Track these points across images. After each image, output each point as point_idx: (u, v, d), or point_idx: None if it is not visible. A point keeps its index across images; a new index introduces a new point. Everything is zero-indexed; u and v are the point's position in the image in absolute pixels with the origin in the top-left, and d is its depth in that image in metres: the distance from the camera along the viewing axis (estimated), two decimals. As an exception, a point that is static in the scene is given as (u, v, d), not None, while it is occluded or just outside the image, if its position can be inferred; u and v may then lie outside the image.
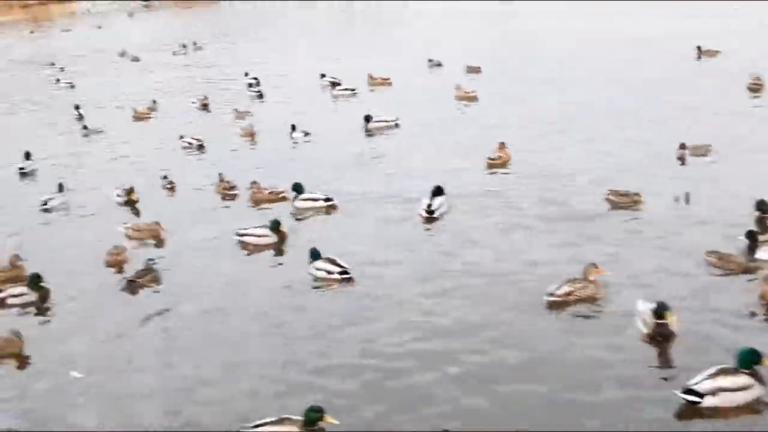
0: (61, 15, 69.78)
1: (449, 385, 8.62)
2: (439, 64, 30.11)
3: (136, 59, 38.86)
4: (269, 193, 15.59)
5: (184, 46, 40.66)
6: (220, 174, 16.57)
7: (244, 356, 9.50)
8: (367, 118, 21.19)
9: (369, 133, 20.80)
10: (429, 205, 13.92)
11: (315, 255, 11.92)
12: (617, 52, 30.29)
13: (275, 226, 13.25)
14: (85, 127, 23.70)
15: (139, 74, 34.57)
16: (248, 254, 12.91)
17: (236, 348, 9.75)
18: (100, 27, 53.36)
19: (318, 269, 11.73)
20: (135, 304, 11.27)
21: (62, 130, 24.50)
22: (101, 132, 23.32)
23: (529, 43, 35.81)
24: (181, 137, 20.86)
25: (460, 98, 23.82)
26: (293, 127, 20.97)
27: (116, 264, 12.61)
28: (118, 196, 15.85)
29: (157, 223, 13.87)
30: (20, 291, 11.74)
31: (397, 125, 20.90)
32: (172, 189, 16.91)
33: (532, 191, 14.78)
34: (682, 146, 15.96)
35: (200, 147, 20.25)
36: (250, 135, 21.06)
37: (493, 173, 16.25)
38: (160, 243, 13.59)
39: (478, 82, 25.92)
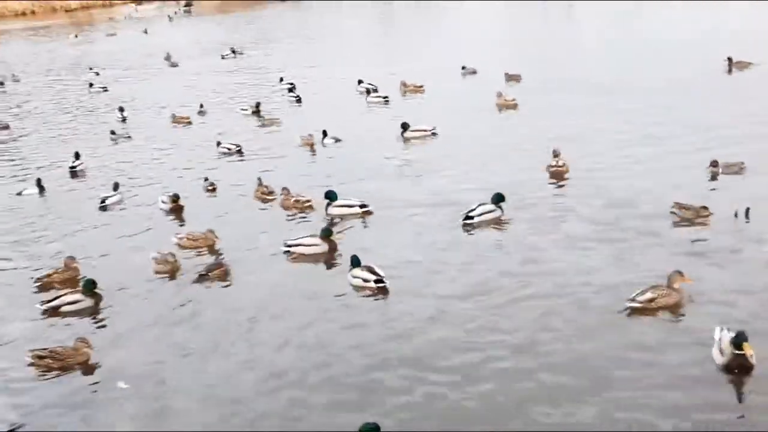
0: (103, 19, 71.10)
1: (504, 407, 8.48)
2: (474, 72, 30.08)
3: (174, 64, 39.51)
4: (295, 201, 15.80)
5: (233, 51, 41.34)
6: (258, 178, 17.10)
7: (288, 377, 9.58)
8: (404, 126, 21.07)
9: (405, 141, 20.49)
10: (469, 212, 13.91)
11: (355, 262, 12.08)
12: (657, 59, 30.06)
13: (326, 234, 13.20)
14: (113, 132, 24.19)
15: (180, 79, 35.17)
16: (296, 262, 12.88)
17: (279, 360, 9.93)
18: (146, 32, 54.18)
19: (355, 277, 11.83)
20: (185, 311, 11.55)
21: (98, 132, 25.16)
22: (129, 138, 23.76)
23: (571, 48, 35.69)
24: (219, 144, 21.20)
25: (501, 106, 23.89)
26: (324, 133, 21.32)
27: (167, 272, 12.80)
28: (164, 202, 16.16)
29: (211, 231, 14.00)
30: (75, 298, 11.86)
31: (434, 134, 20.83)
32: (213, 191, 17.49)
33: (590, 201, 14.71)
34: (714, 164, 15.70)
35: (239, 152, 20.68)
36: (310, 145, 20.80)
37: (552, 183, 16.09)
38: (213, 251, 13.76)
39: (518, 90, 25.80)
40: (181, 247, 13.85)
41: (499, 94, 24.30)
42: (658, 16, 44.14)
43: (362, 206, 15.10)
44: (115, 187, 17.88)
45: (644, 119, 20.84)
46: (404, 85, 28.02)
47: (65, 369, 10.07)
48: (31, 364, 10.20)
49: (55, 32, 64.26)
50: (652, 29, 38.68)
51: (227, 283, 12.44)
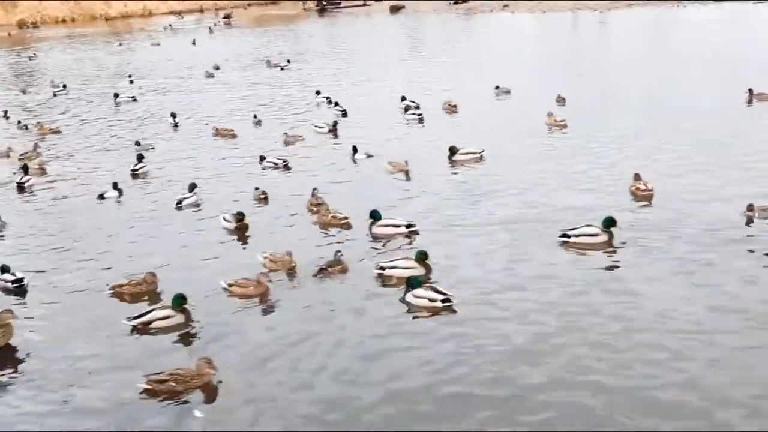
0: (142, 29, 72.00)
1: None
2: (508, 92, 29.74)
3: (210, 75, 39.79)
4: (332, 217, 15.74)
5: (288, 62, 41.70)
6: (314, 189, 17.16)
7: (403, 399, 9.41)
8: (453, 150, 20.22)
9: (454, 165, 19.86)
10: (570, 230, 13.73)
11: (415, 284, 11.84)
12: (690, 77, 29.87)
13: (421, 257, 12.73)
14: (137, 143, 24.12)
15: (221, 90, 35.51)
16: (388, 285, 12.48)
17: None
18: (194, 43, 54.79)
19: (418, 297, 11.66)
20: (269, 330, 11.41)
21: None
22: (152, 149, 23.77)
23: (607, 64, 35.59)
24: (262, 158, 21.08)
25: (551, 125, 23.74)
26: (354, 149, 21.25)
27: (262, 294, 12.57)
28: (227, 221, 15.77)
29: (289, 254, 13.49)
30: (166, 313, 11.51)
31: (482, 157, 20.26)
32: (264, 200, 17.58)
33: (691, 225, 14.32)
34: (750, 208, 14.90)
35: (286, 167, 20.57)
36: (405, 172, 19.21)
37: (642, 205, 15.68)
38: (292, 274, 13.24)
39: (565, 110, 25.63)
40: (264, 267, 13.36)
41: (550, 114, 24.16)
42: (687, 23, 43.82)
43: (408, 226, 14.76)
44: (191, 188, 18.29)
45: (700, 141, 20.66)
46: (448, 104, 27.82)
47: (188, 392, 9.68)
48: (147, 390, 9.77)
49: (91, 39, 65.21)
50: (683, 39, 38.43)
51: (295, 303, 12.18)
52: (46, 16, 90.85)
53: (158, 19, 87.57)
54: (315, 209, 16.49)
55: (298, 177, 19.83)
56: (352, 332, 11.18)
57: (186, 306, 11.78)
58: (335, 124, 24.74)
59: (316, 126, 24.96)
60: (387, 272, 12.71)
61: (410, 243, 14.47)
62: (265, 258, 13.42)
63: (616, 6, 63.06)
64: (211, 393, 9.75)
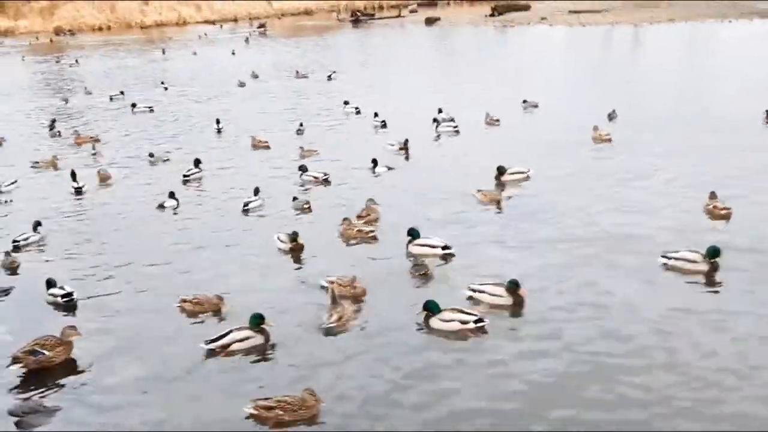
0: (179, 38, 72.15)
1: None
2: (535, 105, 29.23)
3: (242, 84, 39.60)
4: (357, 231, 15.46)
5: (335, 72, 41.40)
6: (370, 199, 16.88)
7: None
8: (501, 170, 19.44)
9: (502, 186, 18.96)
10: (670, 252, 13.12)
11: (434, 308, 11.40)
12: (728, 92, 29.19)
13: (513, 286, 12.04)
14: (151, 155, 23.86)
15: (257, 100, 35.33)
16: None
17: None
18: (233, 53, 54.53)
19: (446, 321, 11.22)
20: (335, 349, 11.02)
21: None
22: (167, 161, 23.47)
23: (641, 78, 34.91)
24: (301, 169, 20.55)
25: (597, 139, 23.19)
26: (374, 162, 20.82)
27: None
28: (282, 241, 15.22)
29: (354, 278, 12.86)
30: (245, 335, 11.04)
31: (528, 177, 19.48)
32: (308, 210, 17.46)
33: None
34: None
35: (326, 181, 20.12)
36: (495, 201, 17.67)
37: (723, 226, 15.14)
38: (359, 300, 12.57)
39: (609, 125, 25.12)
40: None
41: (596, 128, 23.66)
42: (730, 39, 42.98)
43: (444, 247, 14.33)
44: (256, 191, 18.21)
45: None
46: (491, 118, 27.23)
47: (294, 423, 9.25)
48: (252, 416, 9.36)
49: (129, 47, 65.55)
50: (723, 54, 37.63)
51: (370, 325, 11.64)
52: (82, 23, 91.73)
53: (192, 28, 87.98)
54: (363, 220, 16.26)
55: (339, 191, 19.47)
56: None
57: (264, 326, 11.25)
58: (406, 142, 23.39)
59: (388, 144, 23.71)
60: (475, 295, 12.17)
61: (446, 262, 14.05)
62: (332, 283, 12.69)
63: (657, 20, 62.13)
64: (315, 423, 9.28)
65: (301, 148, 23.52)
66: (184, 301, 12.45)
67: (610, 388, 9.67)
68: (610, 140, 23.05)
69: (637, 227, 15.36)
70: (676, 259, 13.02)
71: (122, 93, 37.72)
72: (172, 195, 18.82)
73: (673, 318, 11.40)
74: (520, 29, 65.22)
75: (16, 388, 10.55)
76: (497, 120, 26.78)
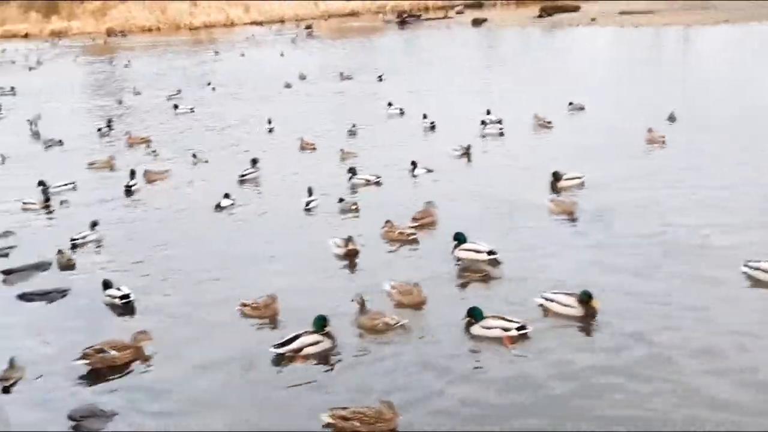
0: (227, 39, 72.95)
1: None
2: (581, 108, 28.79)
3: (288, 85, 39.72)
4: (399, 233, 15.42)
5: (384, 73, 41.27)
6: (429, 202, 16.83)
7: None
8: (557, 176, 18.84)
9: (558, 191, 18.41)
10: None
11: (478, 315, 11.28)
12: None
13: (585, 298, 11.62)
14: (194, 156, 24.06)
15: (304, 101, 35.45)
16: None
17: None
18: (282, 54, 54.72)
19: (488, 328, 11.09)
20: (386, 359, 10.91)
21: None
22: (207, 161, 23.68)
23: (690, 79, 34.15)
24: (351, 172, 20.40)
25: (650, 141, 22.79)
26: (414, 164, 20.67)
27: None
28: (337, 246, 15.09)
29: (417, 285, 12.62)
30: (315, 339, 10.96)
31: (582, 183, 18.84)
32: (355, 210, 17.54)
33: None
34: None
35: (377, 184, 20.09)
36: (568, 213, 16.69)
37: None
38: (419, 307, 12.36)
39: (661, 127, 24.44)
40: (392, 298, 12.52)
41: (650, 130, 23.22)
42: None
43: (490, 252, 14.11)
44: (310, 192, 18.46)
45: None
46: (543, 120, 26.77)
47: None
48: (329, 425, 9.26)
49: (180, 48, 66.43)
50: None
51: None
52: (133, 24, 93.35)
53: (239, 29, 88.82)
54: (419, 223, 16.20)
55: (385, 193, 19.36)
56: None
57: (328, 329, 11.21)
58: (468, 147, 22.71)
59: (451, 148, 22.91)
60: (546, 304, 11.91)
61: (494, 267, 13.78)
62: (393, 289, 12.62)
63: (710, 22, 60.80)
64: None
65: (342, 150, 23.50)
66: (244, 305, 12.47)
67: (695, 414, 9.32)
68: (664, 142, 22.59)
69: (715, 235, 14.81)
70: (761, 270, 12.52)
71: (179, 91, 38.46)
72: (227, 195, 18.92)
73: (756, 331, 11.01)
74: (569, 31, 64.35)
75: (77, 386, 10.69)
76: (549, 122, 26.37)
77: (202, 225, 17.74)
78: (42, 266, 15.09)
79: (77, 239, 16.47)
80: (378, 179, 20.17)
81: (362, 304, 11.88)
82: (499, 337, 11.00)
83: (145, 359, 11.19)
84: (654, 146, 22.49)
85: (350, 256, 14.76)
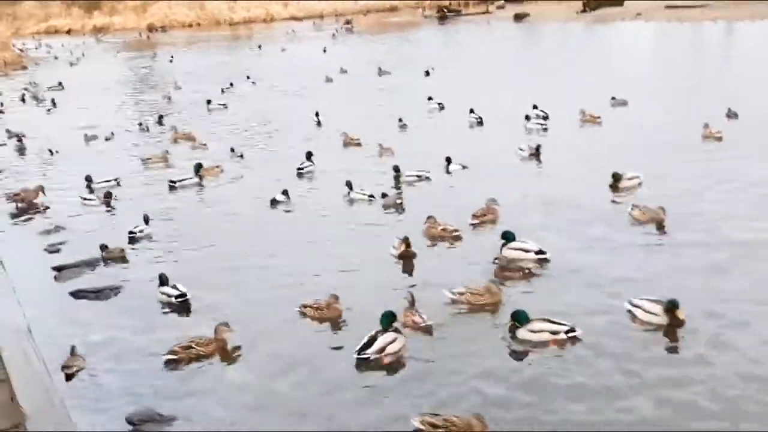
0: (267, 35, 72.87)
1: None
2: (624, 103, 28.02)
3: (329, 79, 39.48)
4: (442, 229, 15.08)
5: (432, 68, 40.65)
6: (492, 199, 16.33)
7: None
8: (616, 177, 17.66)
9: (617, 191, 17.46)
10: None
11: (523, 318, 10.80)
12: None
13: (672, 306, 10.95)
14: (232, 150, 23.91)
15: (346, 96, 35.06)
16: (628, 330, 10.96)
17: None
18: (325, 50, 54.18)
19: (535, 331, 10.66)
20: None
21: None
22: (241, 156, 23.48)
23: (735, 74, 32.77)
24: (396, 170, 19.87)
25: (707, 137, 22.08)
26: (448, 160, 20.24)
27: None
28: (393, 247, 14.38)
29: (489, 288, 11.96)
30: (392, 337, 10.57)
31: (641, 183, 17.79)
32: (400, 206, 17.34)
33: None
34: None
35: (427, 179, 19.62)
36: (656, 221, 15.09)
37: None
38: (496, 308, 11.77)
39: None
40: (465, 303, 11.89)
41: (706, 126, 22.44)
42: None
43: (539, 252, 13.58)
44: (350, 186, 18.22)
45: None
46: (590, 115, 26.01)
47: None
48: (419, 431, 8.89)
49: (222, 43, 66.53)
50: None
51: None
52: (173, 20, 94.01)
53: (278, 24, 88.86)
54: (480, 220, 15.78)
55: (429, 189, 18.78)
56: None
57: (396, 324, 10.80)
58: (538, 147, 21.24)
59: (519, 149, 21.60)
60: (633, 310, 11.29)
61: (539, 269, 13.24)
62: (461, 294, 12.03)
63: (761, 16, 59.07)
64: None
65: (380, 145, 23.03)
66: (305, 306, 12.02)
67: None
68: (720, 139, 21.79)
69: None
70: None
71: (231, 85, 38.60)
72: (285, 192, 18.53)
73: None
74: (613, 25, 63.14)
75: (139, 386, 10.37)
76: (598, 117, 25.67)
77: (256, 221, 17.33)
78: (93, 263, 14.81)
79: (135, 232, 16.30)
80: (427, 174, 19.68)
81: (412, 302, 11.57)
82: (546, 341, 10.55)
83: (228, 353, 10.94)
84: (710, 142, 21.69)
85: (406, 258, 14.05)
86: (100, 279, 14.09)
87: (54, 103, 36.68)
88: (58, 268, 14.59)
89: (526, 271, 13.11)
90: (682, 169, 19.16)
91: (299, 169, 21.12)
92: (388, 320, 10.72)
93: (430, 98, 30.60)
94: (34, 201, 19.49)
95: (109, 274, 14.36)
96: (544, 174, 19.95)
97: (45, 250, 15.87)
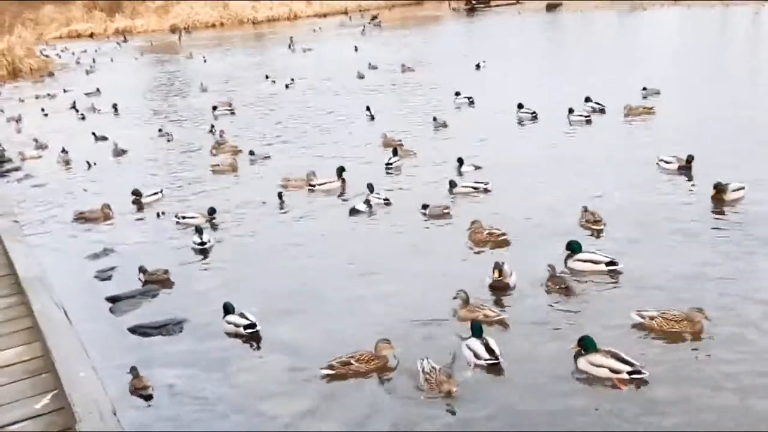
0: (291, 33, 71.31)
1: None
2: (657, 93, 26.85)
3: (361, 76, 38.60)
4: (487, 233, 14.38)
5: (484, 61, 39.28)
6: (584, 207, 15.26)
7: None
8: (720, 189, 15.39)
9: (720, 203, 15.33)
10: None
11: (590, 346, 9.75)
12: None
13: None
14: (251, 153, 22.96)
15: (378, 92, 33.94)
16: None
17: None
18: (357, 49, 52.48)
19: (595, 365, 9.58)
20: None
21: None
22: (267, 158, 22.77)
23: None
24: (463, 163, 19.12)
25: None
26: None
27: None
28: (489, 276, 12.66)
29: (699, 310, 10.53)
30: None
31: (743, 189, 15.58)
32: (448, 215, 16.41)
33: None
34: None
35: (486, 191, 17.94)
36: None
37: None
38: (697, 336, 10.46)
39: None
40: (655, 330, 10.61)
41: None
42: None
43: (610, 263, 12.54)
44: (371, 188, 17.45)
45: None
46: (631, 107, 24.70)
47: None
48: None
49: (251, 43, 65.25)
50: None
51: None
52: (196, 21, 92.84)
53: (302, 22, 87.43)
54: (592, 226, 14.74)
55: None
56: None
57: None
58: (690, 159, 17.91)
59: (662, 160, 18.37)
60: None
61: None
62: (652, 319, 10.68)
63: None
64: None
65: (385, 135, 23.05)
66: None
67: None
68: None
69: None
70: None
71: (293, 80, 38.49)
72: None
73: None
74: (651, 12, 61.09)
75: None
76: (650, 108, 24.44)
77: (335, 233, 15.94)
78: (151, 291, 13.43)
79: (205, 243, 15.43)
80: (486, 186, 17.87)
81: (466, 300, 11.42)
82: (606, 378, 9.47)
83: (388, 369, 10.21)
84: None
85: (499, 289, 12.32)
86: (162, 309, 12.68)
87: (116, 109, 35.44)
88: (113, 299, 13.24)
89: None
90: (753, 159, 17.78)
91: (388, 164, 20.68)
92: (480, 330, 10.42)
93: (457, 93, 29.56)
94: (100, 219, 18.12)
95: (173, 304, 12.96)
96: (614, 175, 18.22)
97: (96, 277, 14.50)
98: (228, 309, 11.85)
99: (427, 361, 9.77)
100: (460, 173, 19.21)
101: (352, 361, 10.16)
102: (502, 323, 11.11)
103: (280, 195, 18.30)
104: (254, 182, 20.65)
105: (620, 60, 37.61)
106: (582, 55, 41.43)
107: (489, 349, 10.04)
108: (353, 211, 17.01)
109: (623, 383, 9.36)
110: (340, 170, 19.46)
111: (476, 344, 10.14)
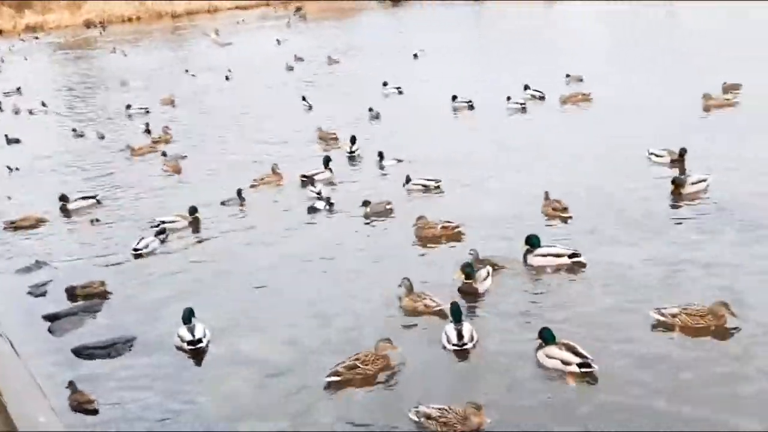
0: (213, 26, 69.46)
1: None
2: (580, 80, 27.60)
3: (290, 68, 38.29)
4: (441, 228, 14.02)
5: (422, 50, 38.97)
6: (546, 192, 15.16)
7: None
8: (679, 183, 15.10)
9: (681, 196, 15.03)
10: None
11: (548, 337, 9.77)
12: None
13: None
14: (164, 154, 22.26)
15: (308, 84, 33.01)
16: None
17: None
18: (279, 42, 51.12)
19: (550, 357, 9.57)
20: None
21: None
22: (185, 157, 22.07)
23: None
24: (384, 157, 19.08)
25: (711, 106, 21.60)
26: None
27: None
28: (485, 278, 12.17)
29: (723, 304, 10.18)
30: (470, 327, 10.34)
31: (708, 186, 15.23)
32: (390, 213, 15.97)
33: None
34: None
35: (437, 188, 17.42)
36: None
37: None
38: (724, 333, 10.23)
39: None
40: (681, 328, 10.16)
41: (706, 96, 21.93)
42: None
43: (572, 255, 12.27)
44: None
45: None
46: (581, 95, 25.12)
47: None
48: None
49: (175, 37, 63.23)
50: None
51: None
52: (111, 15, 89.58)
53: (223, 14, 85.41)
54: (558, 213, 14.54)
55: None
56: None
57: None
58: (683, 152, 17.09)
59: (652, 153, 17.65)
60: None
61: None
62: (675, 317, 10.21)
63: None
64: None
65: (320, 128, 22.82)
66: (357, 359, 9.99)
67: None
68: (732, 105, 21.39)
69: None
70: None
71: (230, 70, 37.97)
72: (321, 197, 16.83)
73: None
74: (570, 4, 61.81)
75: None
76: (587, 94, 24.80)
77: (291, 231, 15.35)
78: (93, 307, 12.47)
79: (139, 248, 14.59)
80: (438, 183, 17.27)
81: (410, 288, 11.49)
82: (560, 370, 9.43)
83: (392, 369, 9.97)
84: (722, 110, 21.13)
85: (468, 294, 11.68)
86: (107, 328, 11.73)
87: (45, 105, 33.83)
88: (50, 317, 12.19)
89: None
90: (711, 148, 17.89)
91: (350, 152, 20.50)
92: (459, 314, 10.44)
93: (385, 83, 29.62)
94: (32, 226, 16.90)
95: (117, 321, 12.00)
96: (568, 166, 18.07)
97: (29, 293, 13.39)
98: (185, 318, 11.02)
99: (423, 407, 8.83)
100: (381, 167, 18.94)
101: (358, 363, 9.79)
102: (441, 314, 11.02)
103: (239, 192, 17.52)
104: (202, 184, 19.57)
105: (542, 52, 37.64)
106: (509, 47, 41.42)
107: (459, 335, 10.06)
108: (311, 210, 16.51)
109: (572, 377, 9.23)
110: (327, 160, 18.90)
111: (450, 329, 10.22)
